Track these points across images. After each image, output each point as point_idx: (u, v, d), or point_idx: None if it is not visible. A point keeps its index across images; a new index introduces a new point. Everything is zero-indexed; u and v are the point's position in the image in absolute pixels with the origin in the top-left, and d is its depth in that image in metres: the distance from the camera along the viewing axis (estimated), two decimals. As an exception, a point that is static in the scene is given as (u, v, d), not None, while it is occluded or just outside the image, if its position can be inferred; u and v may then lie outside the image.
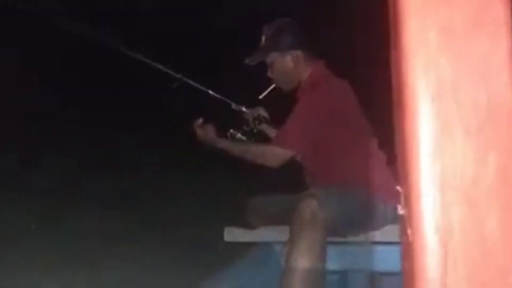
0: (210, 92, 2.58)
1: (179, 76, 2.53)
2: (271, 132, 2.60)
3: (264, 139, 2.59)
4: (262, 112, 2.61)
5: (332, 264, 2.45)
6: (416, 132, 0.44)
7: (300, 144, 2.29)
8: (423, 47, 0.44)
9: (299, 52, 2.40)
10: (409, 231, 0.44)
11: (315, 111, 2.29)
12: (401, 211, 0.45)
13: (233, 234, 2.62)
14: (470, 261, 0.43)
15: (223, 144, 2.45)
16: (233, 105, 2.59)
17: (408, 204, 0.44)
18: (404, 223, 0.45)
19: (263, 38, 2.44)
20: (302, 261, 1.96)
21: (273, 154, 2.33)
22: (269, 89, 2.55)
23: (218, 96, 2.58)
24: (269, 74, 2.48)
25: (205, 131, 2.44)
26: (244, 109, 2.60)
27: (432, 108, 0.44)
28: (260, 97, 2.57)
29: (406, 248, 0.44)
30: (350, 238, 2.29)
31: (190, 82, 2.55)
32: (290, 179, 2.56)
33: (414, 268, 0.43)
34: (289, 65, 2.41)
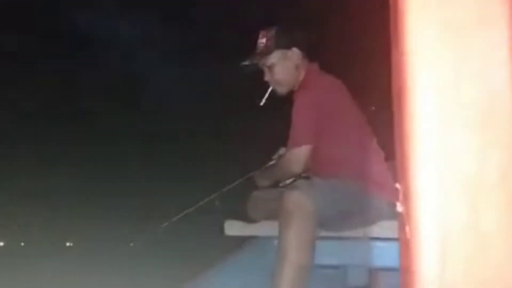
0: (240, 180, 2.68)
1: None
2: None
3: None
4: (283, 151, 2.63)
5: (331, 259, 2.46)
6: (416, 130, 0.44)
7: (311, 137, 2.31)
8: (424, 45, 0.44)
9: (298, 52, 2.43)
10: (407, 228, 0.44)
11: (312, 106, 2.30)
12: (399, 208, 0.45)
13: (233, 228, 2.63)
14: (468, 258, 0.43)
15: (261, 181, 2.59)
16: (265, 167, 2.66)
17: (407, 201, 0.44)
18: (403, 220, 0.45)
19: (263, 41, 2.46)
20: (289, 253, 1.97)
21: (293, 158, 2.33)
22: (267, 94, 2.56)
23: (247, 175, 2.68)
24: (266, 78, 2.49)
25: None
26: (271, 162, 2.66)
27: (433, 105, 0.44)
28: (261, 103, 2.60)
29: (405, 245, 0.44)
30: (348, 233, 2.30)
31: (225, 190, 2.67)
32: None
33: (412, 265, 0.43)
34: (289, 63, 2.43)
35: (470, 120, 0.44)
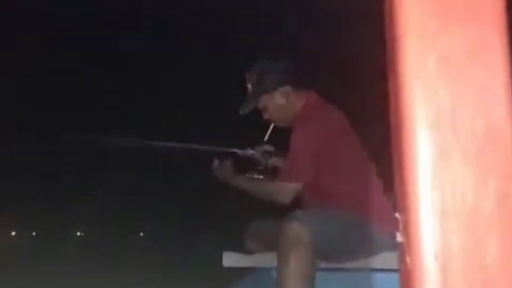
0: (213, 148, 2.67)
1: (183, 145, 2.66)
2: (282, 162, 2.64)
3: (278, 171, 2.64)
4: (268, 147, 2.67)
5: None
6: (414, 159, 0.44)
7: (304, 175, 2.30)
8: (422, 75, 0.45)
9: (287, 87, 2.42)
10: (408, 259, 0.44)
11: (310, 140, 2.30)
12: (399, 238, 0.45)
13: (231, 259, 2.61)
14: (470, 288, 0.43)
15: (238, 182, 2.51)
16: (239, 152, 2.65)
17: (407, 231, 0.44)
18: (403, 250, 0.44)
19: (249, 86, 2.48)
20: (288, 285, 1.96)
21: (282, 191, 2.34)
22: (270, 130, 2.63)
23: (221, 149, 2.66)
24: (265, 116, 2.52)
25: (222, 170, 2.52)
26: (250, 151, 2.66)
27: (431, 135, 0.44)
28: (265, 139, 2.65)
29: (406, 276, 0.44)
30: (349, 265, 2.28)
31: (194, 146, 2.66)
32: (290, 204, 2.56)
33: (413, 296, 0.43)
34: (280, 102, 2.43)
35: (468, 150, 0.44)
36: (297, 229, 2.01)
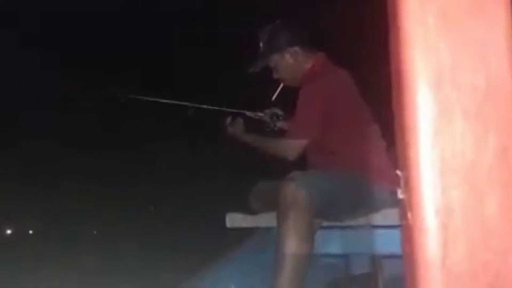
0: (224, 109, 2.70)
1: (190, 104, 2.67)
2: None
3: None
4: (277, 110, 2.71)
5: (334, 248, 2.47)
6: (415, 116, 0.44)
7: (310, 132, 2.34)
8: (422, 31, 0.44)
9: (296, 48, 2.45)
10: (409, 215, 0.44)
11: (317, 100, 2.34)
12: (401, 195, 0.45)
13: (234, 220, 2.64)
14: (471, 243, 0.43)
15: (249, 139, 2.57)
16: (248, 113, 2.68)
17: (408, 188, 0.44)
18: (404, 206, 0.45)
19: (261, 44, 2.50)
20: (287, 244, 2.01)
21: (289, 147, 2.39)
22: (278, 89, 2.64)
23: (231, 110, 2.68)
24: (275, 76, 2.54)
25: (234, 128, 2.59)
26: (259, 113, 2.71)
27: (431, 91, 0.44)
28: (272, 98, 2.68)
29: (407, 231, 0.45)
30: (349, 222, 2.31)
31: (204, 106, 2.66)
32: (295, 165, 2.59)
33: (415, 251, 0.44)
34: (289, 62, 2.47)
35: (469, 105, 0.44)
36: (294, 189, 2.05)
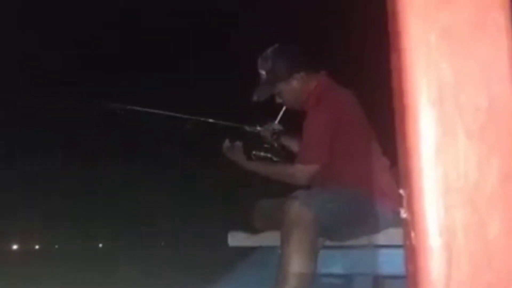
0: (222, 122, 2.69)
1: (188, 117, 2.68)
2: (290, 142, 2.71)
3: (286, 150, 2.70)
4: (276, 126, 2.71)
5: (336, 268, 2.45)
6: (418, 136, 0.44)
7: (321, 157, 2.34)
8: (424, 51, 0.45)
9: (302, 73, 2.45)
10: (412, 234, 0.44)
11: (325, 122, 2.34)
12: (404, 214, 0.45)
13: (236, 239, 2.63)
14: (474, 264, 0.43)
15: (252, 166, 2.55)
16: (247, 128, 2.69)
17: (411, 208, 0.44)
18: (408, 226, 0.45)
19: (263, 72, 2.49)
20: (291, 263, 2.00)
21: (299, 173, 2.36)
22: (281, 112, 2.66)
23: (230, 124, 2.68)
24: (278, 101, 2.54)
25: (233, 153, 2.55)
26: (258, 128, 2.71)
27: (434, 111, 0.44)
28: (276, 121, 2.68)
29: (410, 251, 0.44)
30: (352, 242, 2.30)
31: (202, 119, 2.67)
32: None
33: (418, 271, 0.43)
34: (295, 87, 2.47)
35: (472, 125, 0.44)
36: (297, 208, 2.05)
